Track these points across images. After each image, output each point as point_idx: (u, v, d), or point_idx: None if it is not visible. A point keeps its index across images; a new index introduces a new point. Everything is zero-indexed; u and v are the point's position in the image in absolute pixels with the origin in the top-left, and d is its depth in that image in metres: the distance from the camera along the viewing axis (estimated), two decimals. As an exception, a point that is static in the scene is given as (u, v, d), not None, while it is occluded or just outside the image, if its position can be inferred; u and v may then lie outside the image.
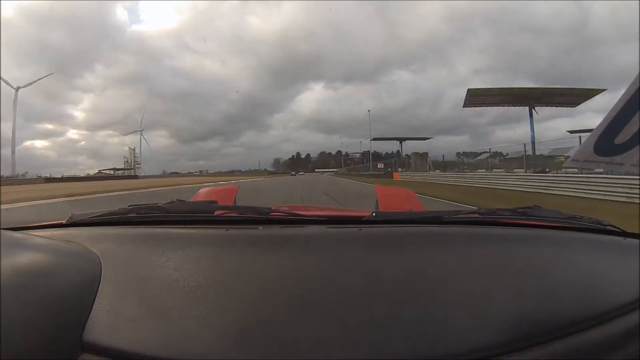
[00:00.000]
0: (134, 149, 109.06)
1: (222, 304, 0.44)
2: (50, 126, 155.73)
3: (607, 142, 0.68)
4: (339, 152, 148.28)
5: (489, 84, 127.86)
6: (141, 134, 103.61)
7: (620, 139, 0.67)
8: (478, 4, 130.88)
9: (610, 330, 0.45)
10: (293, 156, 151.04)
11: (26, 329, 0.36)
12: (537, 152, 17.72)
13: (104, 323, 0.40)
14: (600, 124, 0.68)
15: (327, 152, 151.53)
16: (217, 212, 0.79)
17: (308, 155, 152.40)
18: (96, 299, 0.44)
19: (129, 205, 0.82)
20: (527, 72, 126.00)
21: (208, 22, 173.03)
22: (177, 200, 0.88)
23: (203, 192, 1.49)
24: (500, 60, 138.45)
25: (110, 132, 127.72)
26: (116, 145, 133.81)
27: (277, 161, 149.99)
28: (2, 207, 7.29)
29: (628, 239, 0.75)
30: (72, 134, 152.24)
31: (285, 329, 0.40)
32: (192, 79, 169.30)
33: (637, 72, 0.60)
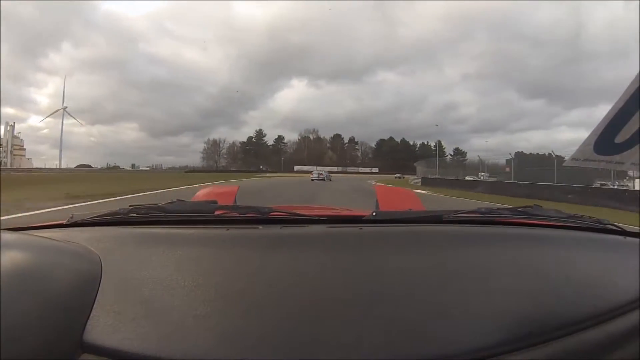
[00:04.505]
0: (13, 126, 74.00)
1: (222, 304, 0.44)
2: (11, 110, 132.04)
3: (607, 141, 0.68)
4: (338, 135, 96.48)
5: (476, 91, 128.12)
6: (64, 113, 74.68)
7: (620, 138, 0.67)
8: (477, 8, 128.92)
9: (610, 330, 0.45)
10: (251, 138, 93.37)
11: (26, 330, 0.36)
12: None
13: (105, 323, 0.40)
14: (600, 123, 0.68)
15: (318, 136, 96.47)
16: (217, 212, 0.79)
17: (280, 138, 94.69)
18: (96, 299, 0.44)
19: (129, 206, 0.82)
20: (516, 81, 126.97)
21: (191, 4, 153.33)
22: (177, 200, 0.87)
23: (203, 192, 1.48)
24: (491, 67, 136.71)
25: (75, 120, 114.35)
26: (82, 135, 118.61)
27: (213, 146, 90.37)
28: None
29: (628, 238, 0.76)
30: (35, 120, 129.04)
31: (285, 328, 0.40)
32: (169, 67, 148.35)
33: (637, 72, 0.59)
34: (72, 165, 74.57)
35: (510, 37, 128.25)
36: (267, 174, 60.50)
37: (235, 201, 1.37)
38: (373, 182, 28.53)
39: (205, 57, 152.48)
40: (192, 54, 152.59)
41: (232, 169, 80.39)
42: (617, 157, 0.70)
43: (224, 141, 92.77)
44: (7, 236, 0.55)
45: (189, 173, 51.61)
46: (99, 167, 73.80)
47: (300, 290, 0.48)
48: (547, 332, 0.43)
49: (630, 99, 0.61)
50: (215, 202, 0.96)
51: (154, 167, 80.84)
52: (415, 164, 37.93)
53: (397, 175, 56.72)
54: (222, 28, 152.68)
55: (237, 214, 0.79)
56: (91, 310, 0.42)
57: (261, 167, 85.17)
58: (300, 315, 0.43)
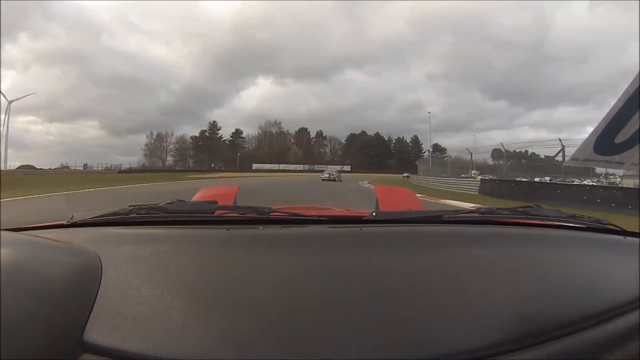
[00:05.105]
0: None
1: (222, 304, 0.45)
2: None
3: (607, 141, 0.69)
4: (304, 129, 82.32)
5: (442, 92, 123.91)
6: (9, 107, 57.84)
7: (620, 138, 0.68)
8: (445, 10, 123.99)
9: (610, 329, 0.45)
10: (204, 131, 77.85)
11: (27, 330, 0.36)
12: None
13: (105, 323, 0.40)
14: (600, 123, 0.68)
15: (281, 129, 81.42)
16: (217, 212, 0.78)
17: (238, 132, 79.94)
18: (97, 299, 0.44)
19: (129, 206, 0.82)
20: (481, 82, 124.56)
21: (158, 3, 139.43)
22: (177, 200, 0.87)
23: (203, 192, 1.48)
24: (456, 68, 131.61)
25: (32, 117, 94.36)
26: (39, 134, 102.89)
27: (157, 141, 73.67)
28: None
29: (628, 238, 0.76)
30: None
31: (285, 328, 0.40)
32: (131, 62, 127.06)
33: (637, 71, 0.59)
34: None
35: (475, 40, 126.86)
36: (208, 175, 48.11)
37: (235, 201, 1.36)
38: (366, 183, 23.30)
39: (170, 53, 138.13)
40: (157, 49, 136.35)
41: (177, 167, 68.81)
42: (616, 157, 0.70)
43: (172, 135, 76.89)
44: (7, 236, 0.55)
45: (122, 174, 43.02)
46: (48, 167, 63.88)
47: (301, 290, 0.48)
48: (547, 332, 0.43)
49: (630, 99, 0.61)
50: (215, 202, 0.94)
51: (111, 168, 67.33)
52: (416, 162, 37.11)
53: (404, 174, 52.78)
54: (187, 24, 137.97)
55: (237, 214, 0.79)
56: (91, 310, 0.42)
57: (212, 165, 73.09)
58: (301, 316, 0.43)
